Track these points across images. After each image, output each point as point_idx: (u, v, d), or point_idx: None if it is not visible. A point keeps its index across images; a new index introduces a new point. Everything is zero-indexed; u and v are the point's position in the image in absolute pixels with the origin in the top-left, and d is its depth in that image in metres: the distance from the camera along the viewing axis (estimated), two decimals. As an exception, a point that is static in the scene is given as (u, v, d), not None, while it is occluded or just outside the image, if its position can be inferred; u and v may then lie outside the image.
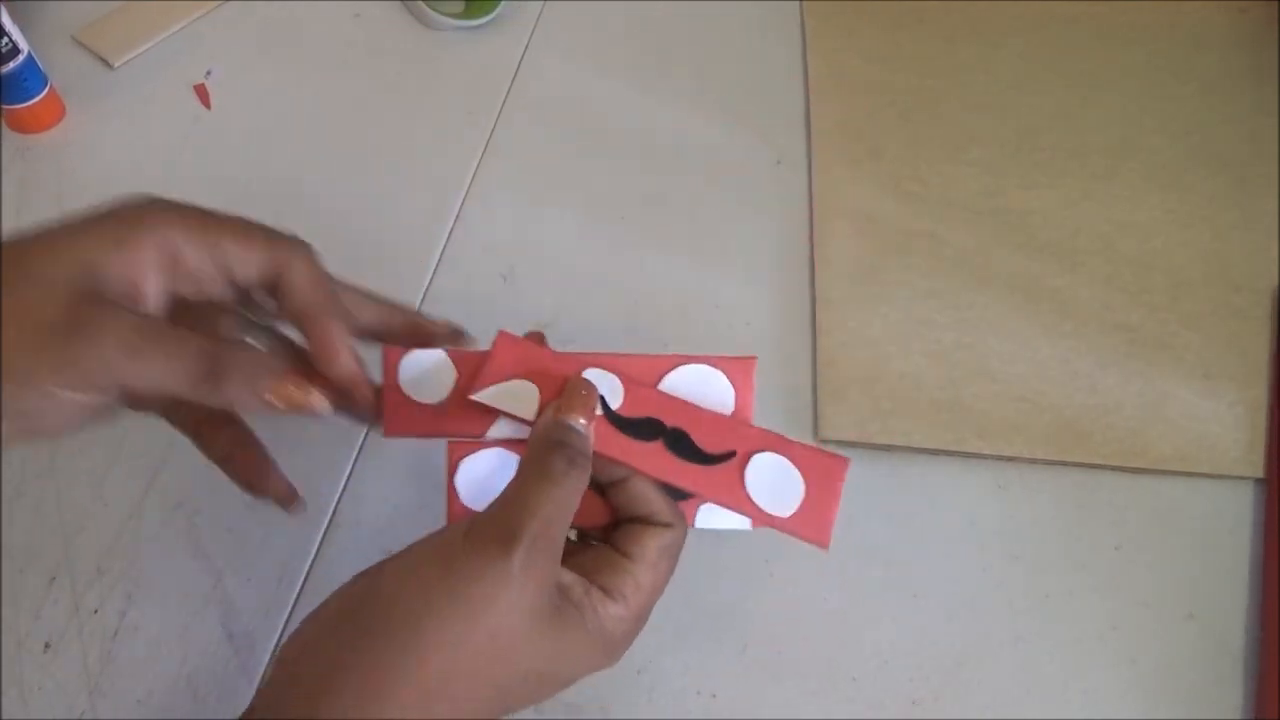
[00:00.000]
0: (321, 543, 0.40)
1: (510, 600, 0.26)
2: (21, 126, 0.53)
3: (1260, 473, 0.43)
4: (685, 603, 0.39)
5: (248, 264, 0.31)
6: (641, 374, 0.32)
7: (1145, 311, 0.48)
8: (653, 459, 0.32)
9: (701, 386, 0.33)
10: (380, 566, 0.29)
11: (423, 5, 0.59)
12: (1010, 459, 0.43)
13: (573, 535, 0.33)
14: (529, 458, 0.29)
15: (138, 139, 0.54)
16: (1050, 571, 0.41)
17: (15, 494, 0.41)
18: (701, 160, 0.54)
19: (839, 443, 0.43)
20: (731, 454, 0.32)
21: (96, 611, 0.39)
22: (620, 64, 0.59)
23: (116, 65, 0.57)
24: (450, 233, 0.50)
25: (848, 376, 0.45)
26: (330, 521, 0.41)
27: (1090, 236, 0.50)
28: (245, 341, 0.33)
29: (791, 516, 0.31)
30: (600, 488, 0.32)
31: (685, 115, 0.56)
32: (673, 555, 0.32)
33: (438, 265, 0.49)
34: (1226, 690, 0.38)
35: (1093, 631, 0.39)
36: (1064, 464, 0.43)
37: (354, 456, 0.43)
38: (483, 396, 0.31)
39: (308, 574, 0.40)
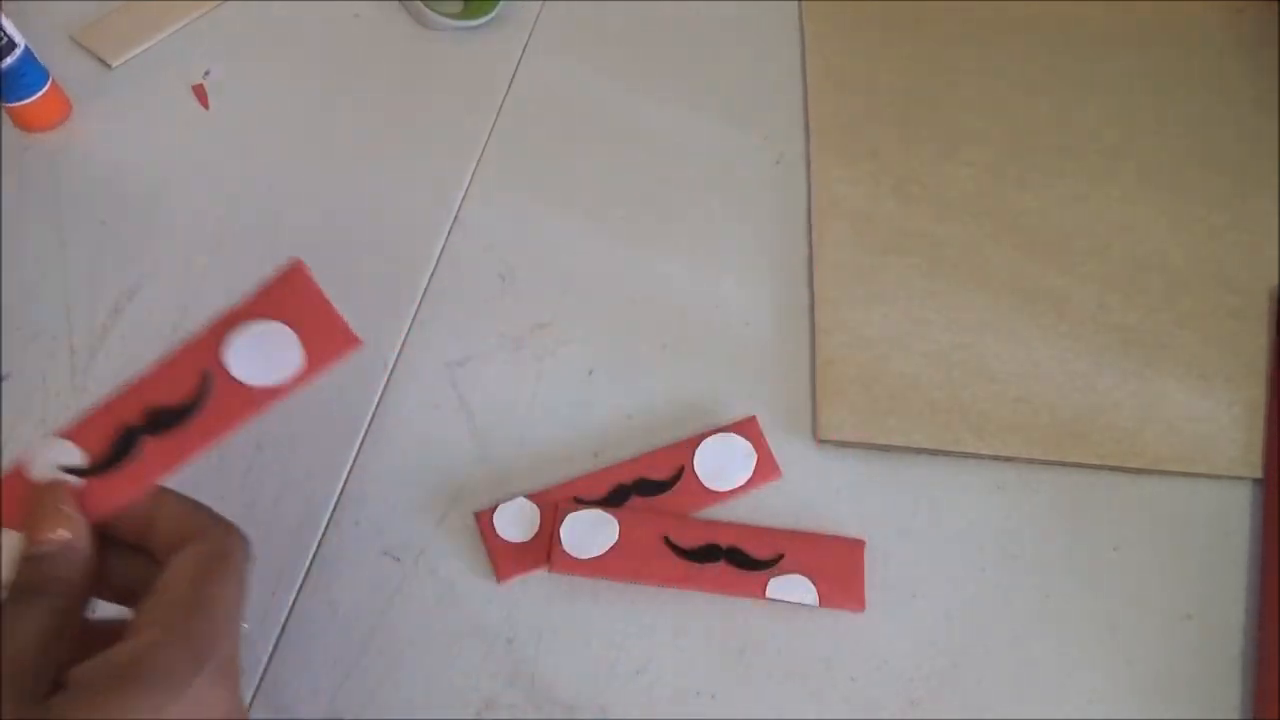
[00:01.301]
0: (320, 543, 0.40)
1: None
2: (26, 124, 0.53)
3: (1258, 473, 0.43)
4: (683, 603, 0.39)
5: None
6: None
7: (1142, 312, 0.48)
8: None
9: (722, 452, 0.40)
10: None
11: (421, 5, 0.59)
12: (1008, 459, 0.43)
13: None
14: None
15: (136, 139, 0.54)
16: (1048, 572, 0.41)
17: (13, 495, 0.41)
18: (700, 160, 0.54)
19: (838, 443, 0.43)
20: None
21: (95, 612, 0.39)
22: (619, 64, 0.59)
23: (115, 65, 0.57)
24: (449, 233, 0.50)
25: (846, 376, 0.45)
26: (329, 522, 0.41)
27: (1087, 237, 0.51)
28: None
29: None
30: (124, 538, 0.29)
31: (684, 115, 0.56)
32: (222, 568, 0.27)
33: (436, 265, 0.49)
34: (1225, 691, 0.38)
35: (1091, 632, 0.39)
36: (1062, 464, 0.43)
37: (353, 456, 0.43)
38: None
39: (306, 574, 0.40)
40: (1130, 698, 0.38)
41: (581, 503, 0.41)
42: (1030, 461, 0.43)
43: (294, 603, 0.39)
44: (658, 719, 0.37)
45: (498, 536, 0.40)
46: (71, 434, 0.28)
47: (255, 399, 0.28)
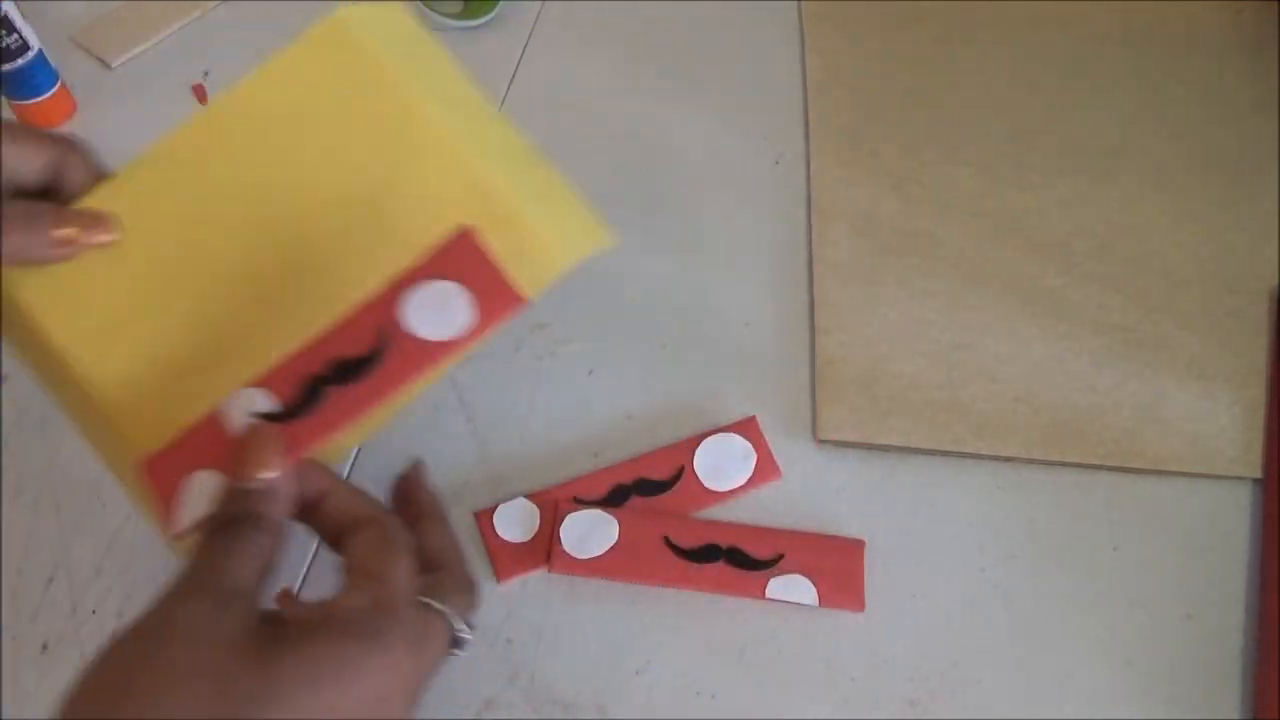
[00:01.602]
0: (319, 543, 0.40)
1: (190, 645, 0.25)
2: (33, 123, 0.54)
3: (1258, 473, 0.43)
4: (683, 603, 0.39)
5: (23, 161, 0.31)
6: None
7: (1141, 312, 0.48)
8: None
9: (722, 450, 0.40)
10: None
11: (421, 5, 0.59)
12: (1008, 459, 0.43)
13: None
14: (203, 530, 0.28)
15: (135, 139, 0.54)
16: (1048, 572, 0.41)
17: (13, 494, 0.41)
18: (700, 160, 0.54)
19: (838, 443, 0.43)
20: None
21: (94, 612, 0.39)
22: (619, 64, 0.59)
23: (115, 65, 0.57)
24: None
25: (846, 376, 0.45)
26: (329, 522, 0.41)
27: (1087, 237, 0.51)
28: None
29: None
30: (300, 520, 0.31)
31: (684, 115, 0.56)
32: (392, 544, 0.30)
33: (436, 266, 0.49)
34: (1224, 691, 0.38)
35: (1090, 632, 0.39)
36: (1061, 464, 0.43)
37: (353, 456, 0.43)
38: (184, 528, 0.29)
39: (306, 574, 0.40)
40: (1129, 697, 0.38)
41: (581, 503, 0.41)
42: (1030, 461, 0.43)
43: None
44: (657, 719, 0.37)
45: (497, 536, 0.40)
46: (264, 382, 0.29)
47: (430, 352, 0.29)
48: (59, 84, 0.53)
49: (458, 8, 0.61)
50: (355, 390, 0.29)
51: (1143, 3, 0.63)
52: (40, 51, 0.51)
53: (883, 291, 0.48)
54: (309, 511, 0.31)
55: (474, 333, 0.29)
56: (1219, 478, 0.43)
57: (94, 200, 0.30)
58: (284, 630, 0.27)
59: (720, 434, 0.43)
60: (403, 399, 0.30)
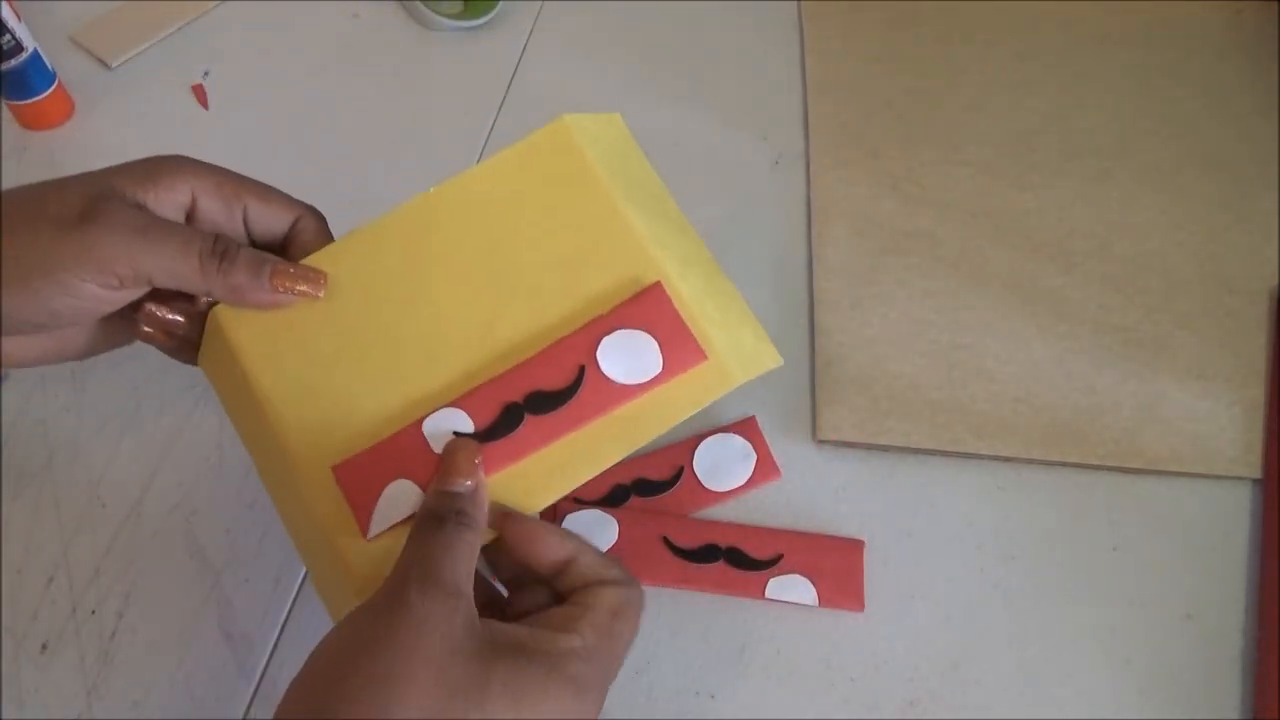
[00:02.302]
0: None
1: (420, 632, 0.26)
2: (31, 123, 0.54)
3: (1257, 473, 0.43)
4: (683, 603, 0.39)
5: (267, 221, 0.34)
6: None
7: (1141, 312, 0.48)
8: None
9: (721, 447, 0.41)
10: (311, 655, 0.28)
11: (421, 5, 0.59)
12: (1007, 459, 0.43)
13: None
14: (413, 528, 0.30)
15: (135, 139, 0.54)
16: (1047, 572, 0.41)
17: (13, 494, 0.41)
18: (700, 160, 0.54)
19: (837, 443, 0.43)
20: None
21: (94, 612, 0.39)
22: (618, 64, 0.59)
23: (114, 65, 0.57)
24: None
25: (846, 377, 0.45)
26: (328, 522, 0.41)
27: (1086, 237, 0.51)
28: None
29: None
30: (548, 581, 0.33)
31: (683, 115, 0.56)
32: (632, 614, 0.32)
33: (436, 266, 0.49)
34: (1224, 691, 0.38)
35: (1089, 632, 0.39)
36: (1062, 464, 0.43)
37: (352, 457, 0.43)
38: (375, 531, 0.31)
39: (305, 575, 0.40)
40: (1129, 698, 0.38)
41: (580, 503, 0.41)
42: (1030, 462, 0.43)
43: (293, 603, 0.39)
44: (657, 719, 0.37)
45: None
46: (463, 403, 0.31)
47: (618, 394, 0.32)
48: (56, 84, 0.53)
49: (458, 8, 0.61)
50: (549, 420, 0.31)
51: (1143, 3, 0.63)
52: (36, 51, 0.51)
53: (883, 291, 0.48)
54: (556, 574, 0.32)
55: (657, 380, 0.32)
56: (1219, 478, 0.43)
57: (315, 259, 0.33)
58: (496, 640, 0.28)
59: (720, 434, 0.43)
60: (603, 454, 0.32)
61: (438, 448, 0.31)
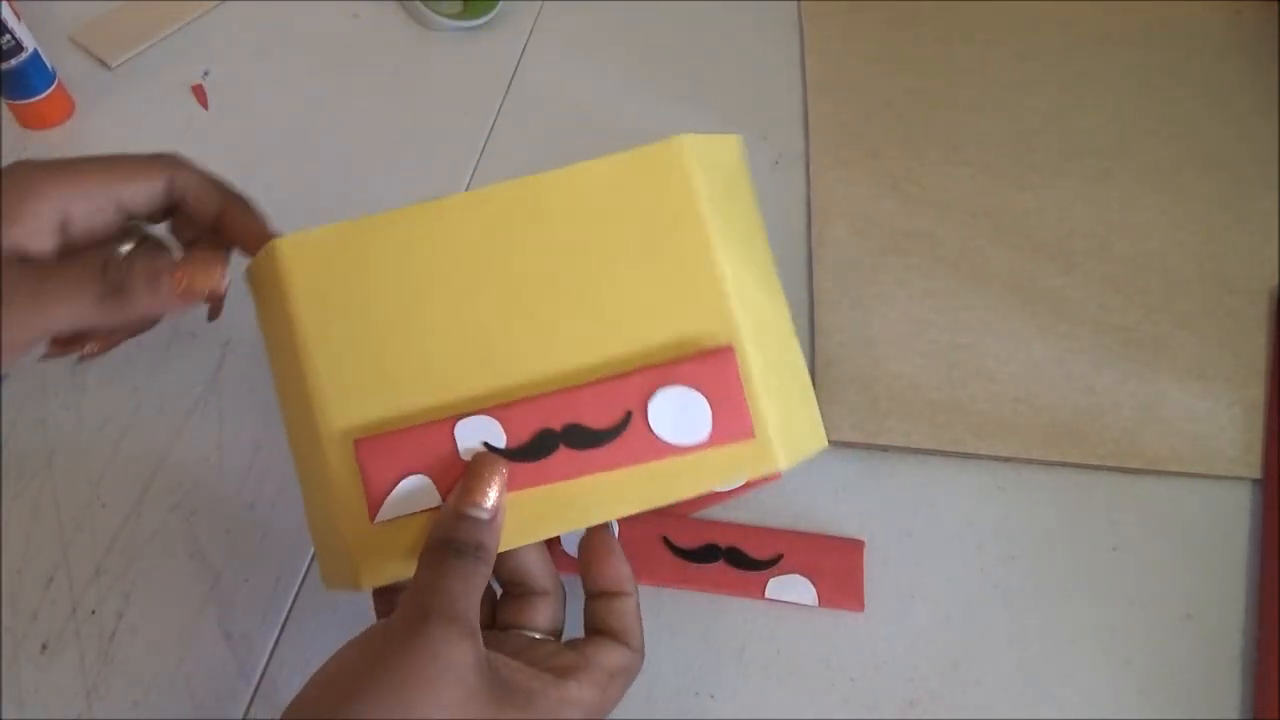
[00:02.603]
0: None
1: (439, 670, 0.26)
2: (31, 123, 0.54)
3: (1257, 473, 0.43)
4: (683, 603, 0.39)
5: (143, 197, 0.33)
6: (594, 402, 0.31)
7: (1141, 312, 0.48)
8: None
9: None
10: (322, 668, 0.29)
11: (420, 5, 0.59)
12: (1008, 459, 0.43)
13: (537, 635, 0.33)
14: (424, 552, 0.29)
15: (135, 139, 0.54)
16: (1047, 572, 0.41)
17: (13, 494, 0.41)
18: (699, 161, 0.54)
19: (837, 443, 0.43)
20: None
21: (94, 612, 0.39)
22: (618, 64, 0.59)
23: (114, 65, 0.57)
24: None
25: (846, 376, 0.45)
26: (328, 522, 0.41)
27: (1086, 237, 0.51)
28: (126, 256, 0.34)
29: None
30: (591, 595, 0.33)
31: (683, 115, 0.56)
32: (627, 681, 0.32)
33: (436, 266, 0.49)
34: (1224, 691, 0.38)
35: (1089, 632, 0.39)
36: (1062, 464, 0.43)
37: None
38: (383, 518, 0.30)
39: (305, 575, 0.40)
40: (1129, 698, 0.38)
41: None
42: (1029, 462, 0.43)
43: (293, 603, 0.39)
44: (657, 719, 0.37)
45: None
46: (500, 415, 0.30)
47: (657, 449, 0.30)
48: (56, 84, 0.53)
49: (457, 8, 0.61)
50: (582, 456, 0.30)
51: (1143, 3, 0.63)
52: (35, 51, 0.51)
53: (882, 291, 0.48)
54: (596, 597, 0.33)
55: (701, 447, 0.30)
56: (1219, 478, 0.43)
57: (399, 216, 0.31)
58: (505, 681, 0.28)
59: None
60: (624, 502, 0.31)
61: (465, 454, 0.30)
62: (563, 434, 0.30)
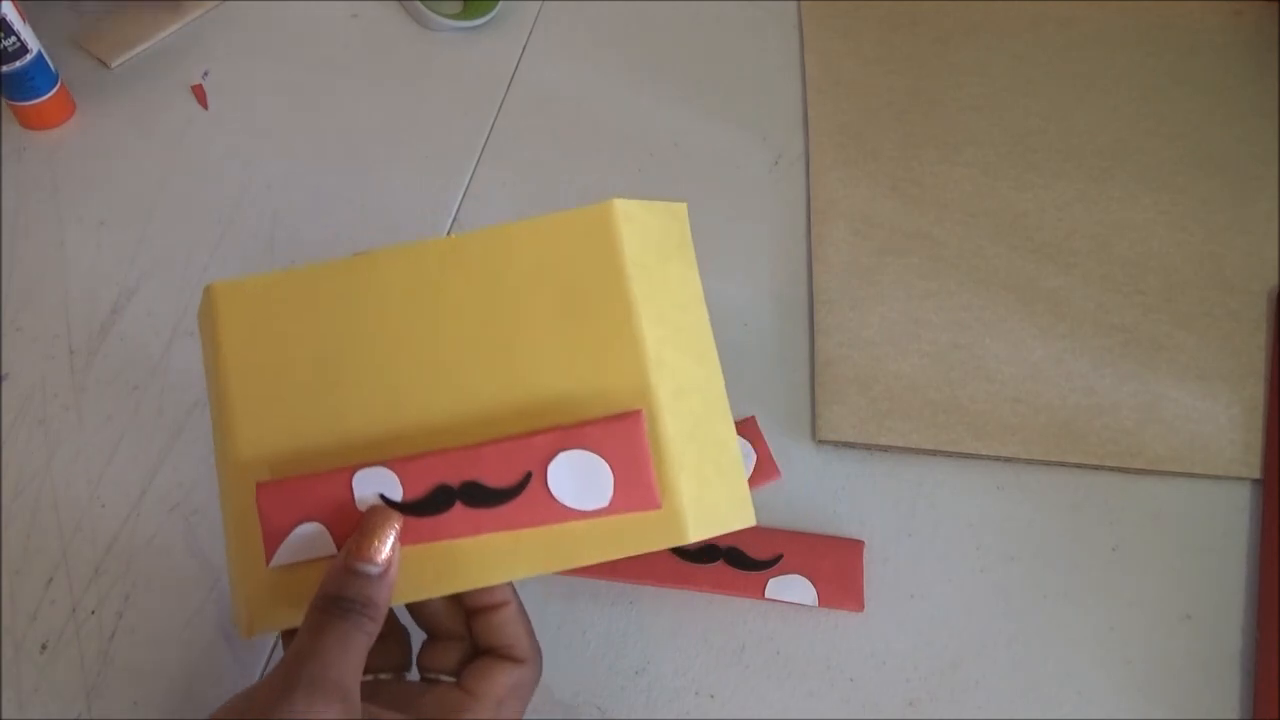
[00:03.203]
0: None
1: None
2: (33, 123, 0.54)
3: (1257, 474, 0.43)
4: (682, 603, 0.39)
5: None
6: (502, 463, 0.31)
7: (1140, 312, 0.48)
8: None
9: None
10: None
11: (420, 6, 0.59)
12: (1007, 459, 0.43)
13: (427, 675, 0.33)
14: (310, 609, 0.29)
15: (135, 139, 0.54)
16: (1047, 572, 0.41)
17: (13, 495, 0.41)
18: (700, 161, 0.54)
19: (837, 443, 0.43)
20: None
21: (94, 613, 0.39)
22: (618, 65, 0.59)
23: (114, 65, 0.57)
24: (448, 233, 0.50)
25: (845, 377, 0.45)
26: (328, 522, 0.41)
27: (1085, 238, 0.51)
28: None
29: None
30: (469, 612, 0.32)
31: (683, 116, 0.56)
32: (523, 695, 0.31)
33: (436, 266, 0.49)
34: (1223, 691, 0.38)
35: (1089, 632, 0.39)
36: (1061, 465, 0.43)
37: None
38: (276, 563, 0.30)
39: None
40: (1128, 697, 0.38)
41: None
42: (1029, 462, 0.43)
43: (293, 603, 0.39)
44: (657, 719, 0.37)
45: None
46: (398, 468, 0.30)
47: (557, 513, 0.30)
48: (59, 85, 0.53)
49: (456, 8, 0.61)
50: (479, 515, 0.30)
51: (1143, 3, 0.63)
52: (40, 53, 0.51)
53: (882, 292, 0.48)
54: (474, 614, 0.32)
55: (601, 512, 0.30)
56: (1219, 478, 0.43)
57: (332, 266, 0.32)
58: None
59: (720, 434, 0.43)
60: (525, 563, 0.30)
61: (362, 504, 0.30)
62: (460, 491, 0.30)
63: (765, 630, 0.39)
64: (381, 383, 0.31)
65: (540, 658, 0.32)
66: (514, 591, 0.33)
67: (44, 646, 0.38)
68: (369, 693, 0.30)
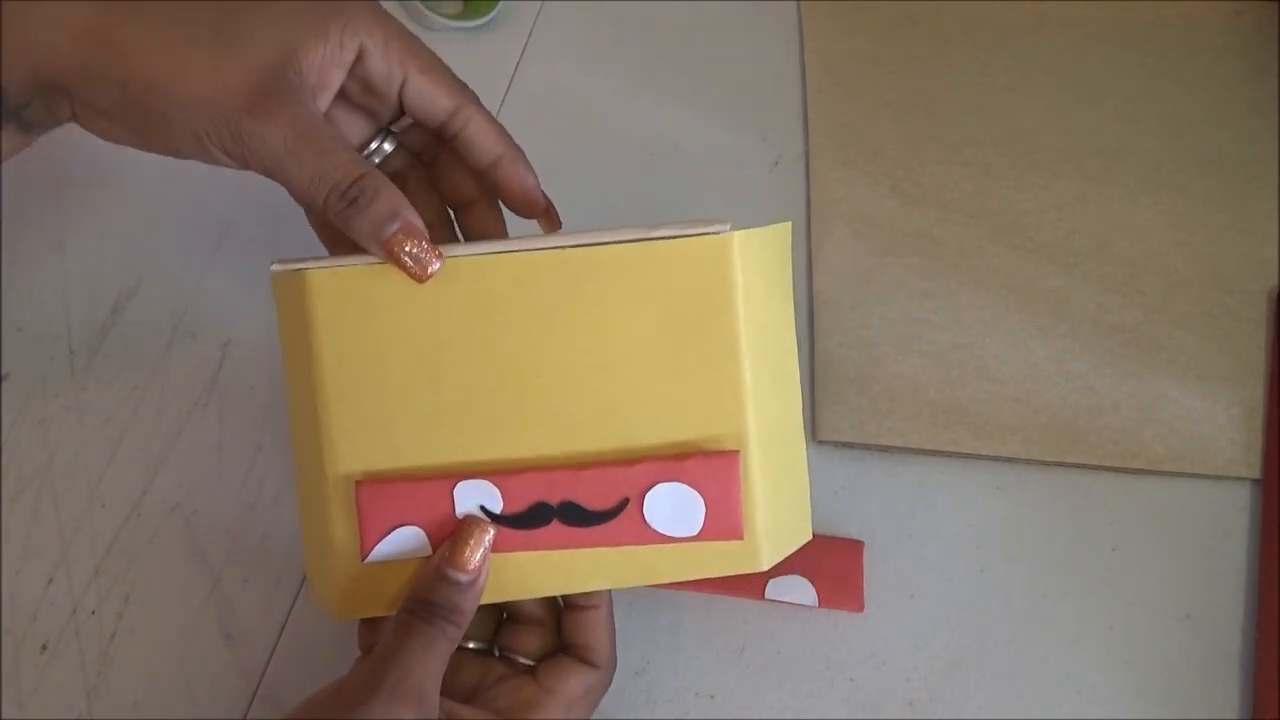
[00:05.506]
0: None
1: None
2: None
3: (1257, 474, 0.43)
4: (683, 603, 0.39)
5: (429, 100, 0.33)
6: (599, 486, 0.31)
7: (1140, 312, 0.48)
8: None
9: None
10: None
11: (420, 6, 0.59)
12: (1007, 460, 0.43)
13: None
14: (399, 610, 0.30)
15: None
16: (1047, 572, 0.41)
17: (13, 494, 0.41)
18: (699, 161, 0.54)
19: (837, 443, 0.43)
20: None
21: (94, 613, 0.39)
22: (618, 65, 0.59)
23: (114, 65, 0.57)
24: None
25: (845, 377, 0.45)
26: (328, 522, 0.41)
27: (1085, 238, 0.51)
28: (381, 175, 0.33)
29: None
30: (565, 605, 0.34)
31: (683, 116, 0.56)
32: (593, 700, 0.32)
33: (436, 266, 0.49)
34: (1223, 691, 0.38)
35: (1089, 632, 0.39)
36: (1061, 465, 0.43)
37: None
38: (372, 560, 0.31)
39: (305, 576, 0.40)
40: (1129, 698, 0.38)
41: None
42: (1029, 462, 0.43)
43: (293, 604, 0.39)
44: (657, 719, 0.37)
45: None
46: (501, 482, 0.31)
47: (647, 537, 0.31)
48: (59, 84, 0.53)
49: (458, 8, 0.61)
50: (573, 532, 0.31)
51: (1143, 3, 0.63)
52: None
53: (881, 292, 0.48)
54: (568, 608, 0.33)
55: (689, 539, 0.31)
56: (1218, 478, 0.43)
57: (447, 263, 0.31)
58: None
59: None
60: (605, 577, 0.32)
61: (461, 514, 0.31)
62: (559, 509, 0.31)
63: (765, 630, 0.39)
64: (479, 395, 0.31)
65: (614, 668, 0.33)
66: (609, 598, 0.34)
67: (44, 646, 0.38)
68: (454, 663, 0.31)
